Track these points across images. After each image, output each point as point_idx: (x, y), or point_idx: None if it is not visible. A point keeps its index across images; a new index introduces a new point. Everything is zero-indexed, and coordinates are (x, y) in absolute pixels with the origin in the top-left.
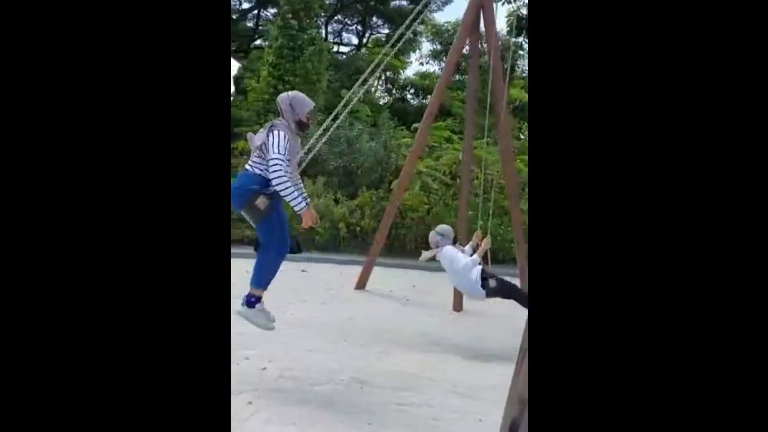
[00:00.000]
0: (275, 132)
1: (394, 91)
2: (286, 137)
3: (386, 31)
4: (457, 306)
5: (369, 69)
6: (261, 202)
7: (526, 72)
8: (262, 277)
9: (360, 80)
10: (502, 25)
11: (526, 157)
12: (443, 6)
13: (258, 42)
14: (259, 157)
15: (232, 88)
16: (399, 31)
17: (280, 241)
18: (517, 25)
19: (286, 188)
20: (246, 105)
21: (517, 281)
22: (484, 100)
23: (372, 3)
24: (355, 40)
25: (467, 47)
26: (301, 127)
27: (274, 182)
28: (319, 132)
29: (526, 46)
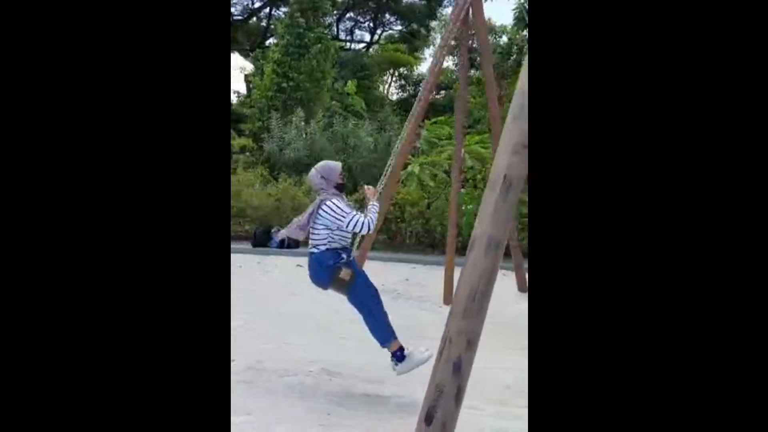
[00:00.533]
0: (327, 204)
1: (407, 87)
2: (337, 202)
3: (398, 27)
4: (448, 299)
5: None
6: (345, 273)
7: None
8: (383, 332)
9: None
10: (508, 19)
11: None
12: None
13: (270, 41)
14: (318, 235)
15: (244, 88)
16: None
17: (372, 296)
18: (524, 18)
19: (371, 219)
20: (249, 102)
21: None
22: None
23: (384, 0)
24: (367, 37)
25: (456, 58)
26: (340, 189)
27: (364, 230)
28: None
29: None
